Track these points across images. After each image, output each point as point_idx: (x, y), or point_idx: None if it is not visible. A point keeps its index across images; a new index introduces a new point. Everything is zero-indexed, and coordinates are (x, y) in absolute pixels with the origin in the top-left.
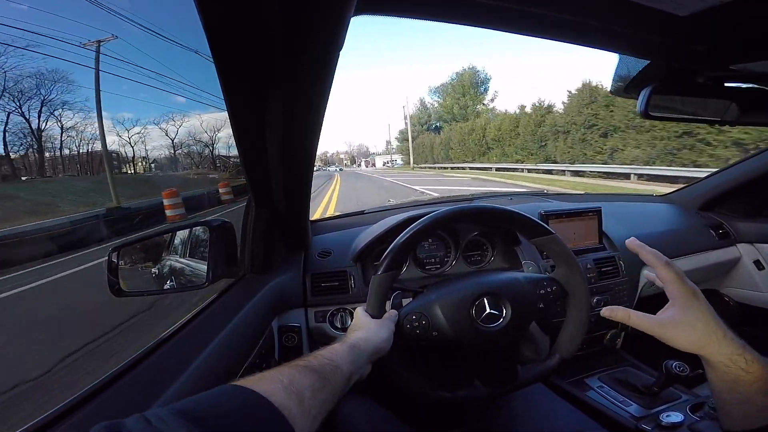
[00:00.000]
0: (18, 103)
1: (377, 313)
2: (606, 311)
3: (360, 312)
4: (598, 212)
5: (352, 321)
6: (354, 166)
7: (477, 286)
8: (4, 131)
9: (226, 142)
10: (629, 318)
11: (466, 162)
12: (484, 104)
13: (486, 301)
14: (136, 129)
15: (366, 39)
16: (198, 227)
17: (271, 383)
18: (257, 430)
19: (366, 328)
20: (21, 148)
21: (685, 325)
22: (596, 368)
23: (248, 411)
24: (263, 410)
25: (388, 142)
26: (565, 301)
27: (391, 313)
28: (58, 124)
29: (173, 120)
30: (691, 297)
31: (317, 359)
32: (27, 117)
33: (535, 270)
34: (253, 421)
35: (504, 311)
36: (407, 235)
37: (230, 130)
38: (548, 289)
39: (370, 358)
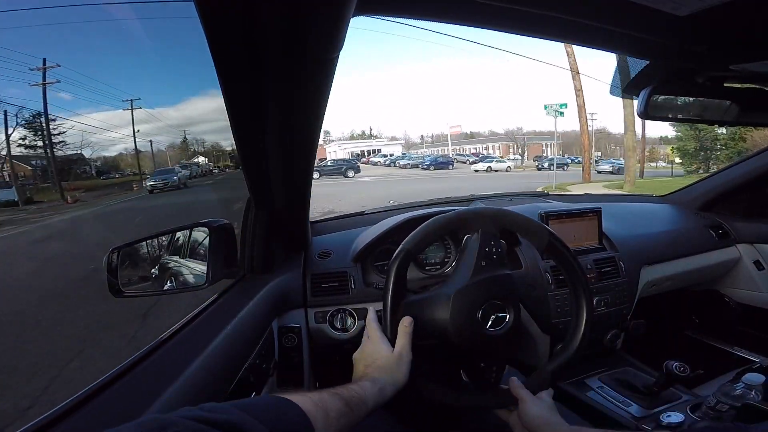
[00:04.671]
0: None
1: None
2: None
3: (378, 339)
4: (597, 213)
5: (365, 339)
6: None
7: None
8: None
9: None
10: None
11: None
12: None
13: (491, 306)
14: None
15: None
16: (198, 228)
17: (301, 397)
18: (286, 425)
19: (388, 368)
20: None
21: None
22: (596, 368)
23: (281, 410)
24: (292, 411)
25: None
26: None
27: (404, 348)
28: None
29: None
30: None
31: (348, 391)
32: None
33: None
34: (284, 417)
35: (506, 318)
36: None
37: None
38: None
39: (391, 395)
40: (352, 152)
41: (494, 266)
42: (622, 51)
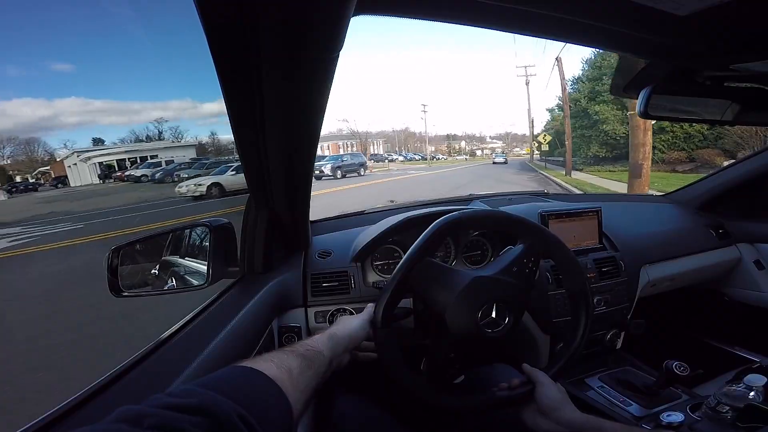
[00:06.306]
0: None
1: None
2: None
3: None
4: (597, 212)
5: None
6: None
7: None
8: None
9: None
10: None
11: None
12: None
13: (495, 307)
14: None
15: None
16: (198, 228)
17: (263, 362)
18: (257, 394)
19: (342, 321)
20: None
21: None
22: (596, 368)
23: (249, 381)
24: (260, 380)
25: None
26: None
27: (367, 308)
28: None
29: None
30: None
31: (302, 346)
32: None
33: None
34: (253, 388)
35: (504, 322)
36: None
37: None
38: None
39: (347, 346)
40: (101, 163)
41: (520, 277)
42: (623, 50)
